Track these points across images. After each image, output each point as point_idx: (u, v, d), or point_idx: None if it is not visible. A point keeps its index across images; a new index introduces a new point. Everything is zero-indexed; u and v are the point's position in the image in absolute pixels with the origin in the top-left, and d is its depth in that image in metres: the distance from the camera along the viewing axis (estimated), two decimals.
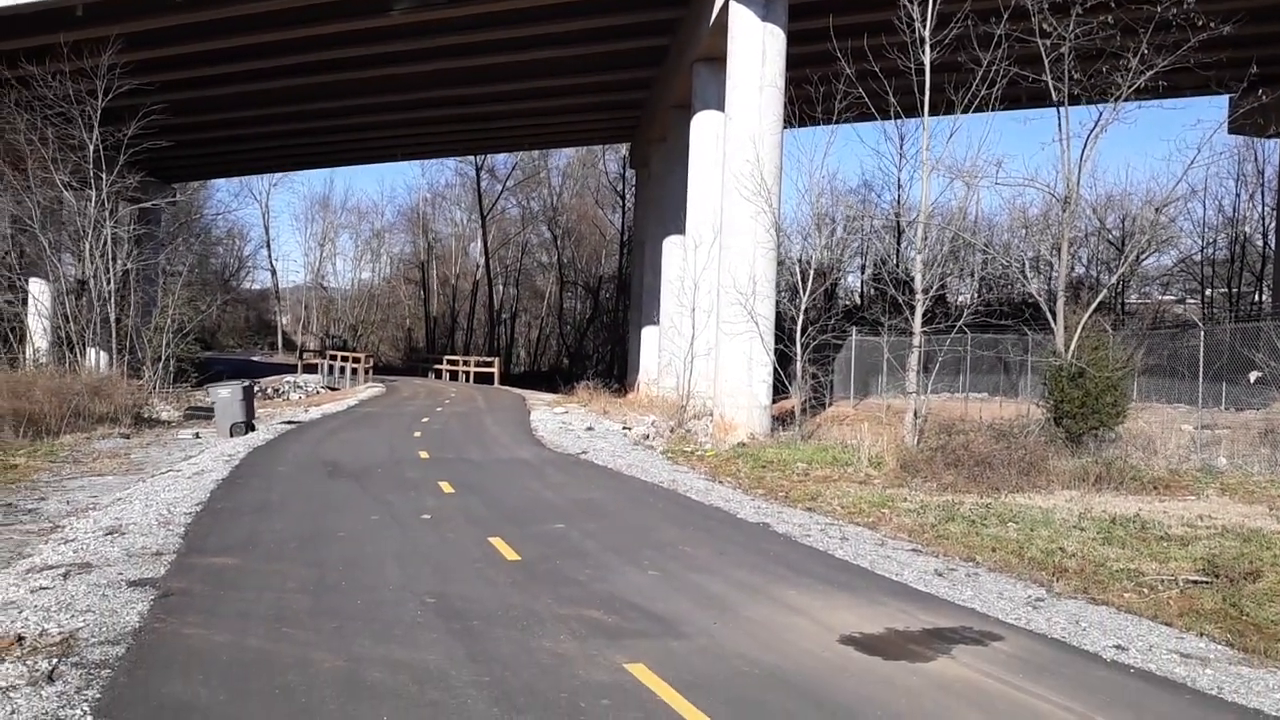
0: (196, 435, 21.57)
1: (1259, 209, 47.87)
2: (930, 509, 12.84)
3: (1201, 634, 7.47)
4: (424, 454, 17.69)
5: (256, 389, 42.87)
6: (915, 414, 20.28)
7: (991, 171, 19.24)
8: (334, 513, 11.58)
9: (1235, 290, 50.25)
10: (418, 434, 21.58)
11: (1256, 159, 45.63)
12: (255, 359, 65.36)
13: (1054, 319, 18.18)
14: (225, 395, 21.93)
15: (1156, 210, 43.58)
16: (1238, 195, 49.33)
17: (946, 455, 16.04)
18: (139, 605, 7.34)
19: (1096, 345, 17.73)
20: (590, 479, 15.31)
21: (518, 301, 69.40)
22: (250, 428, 22.15)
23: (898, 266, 44.06)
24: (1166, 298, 55.83)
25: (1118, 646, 6.99)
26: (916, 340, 20.56)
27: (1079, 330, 17.79)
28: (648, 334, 35.83)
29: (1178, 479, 15.88)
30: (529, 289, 70.63)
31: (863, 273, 53.14)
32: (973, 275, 51.33)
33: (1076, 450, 17.16)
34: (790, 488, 15.13)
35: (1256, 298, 48.36)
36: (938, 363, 20.90)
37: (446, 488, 13.58)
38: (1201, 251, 51.78)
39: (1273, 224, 43.12)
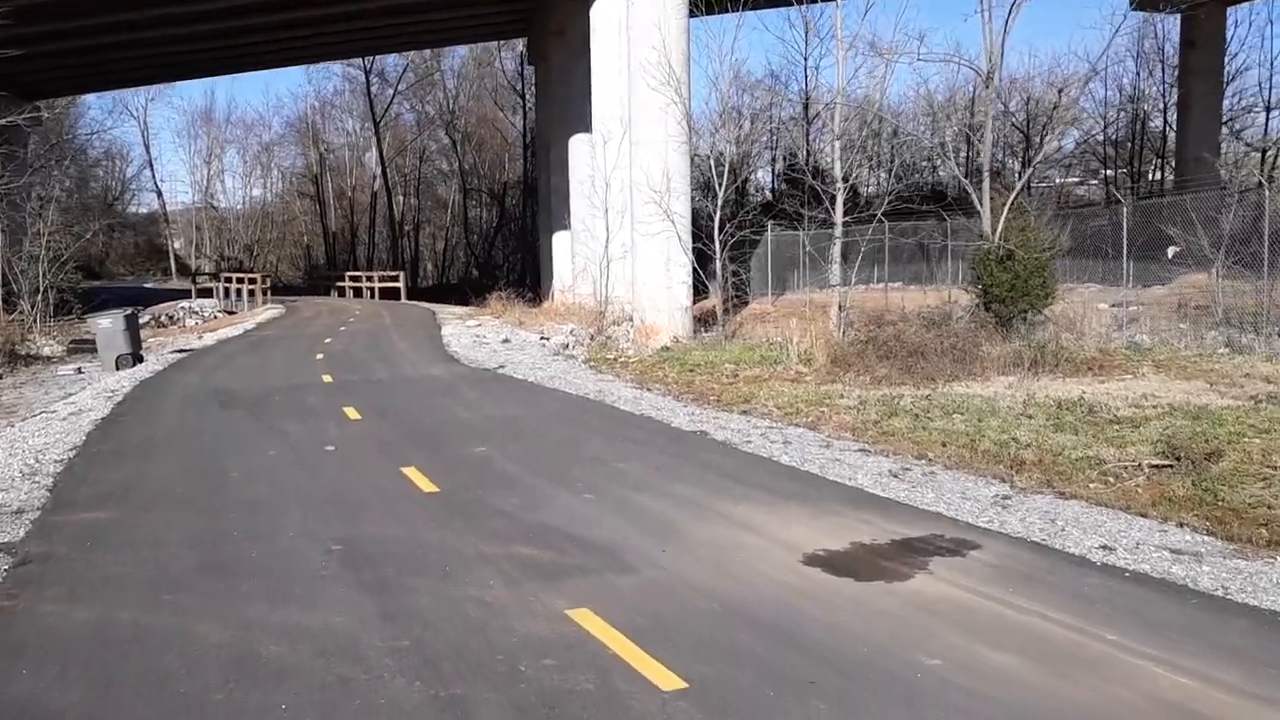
0: (79, 370, 19.93)
1: (1158, 87, 48.07)
2: (870, 404, 12.23)
3: (1182, 524, 6.94)
4: (327, 377, 16.46)
5: (148, 317, 40.73)
6: (840, 307, 19.75)
7: (913, 47, 18.34)
8: (227, 450, 10.44)
9: (1136, 169, 50.76)
10: (319, 356, 20.25)
11: (1156, 35, 45.56)
12: (148, 285, 61.97)
13: (979, 201, 17.59)
14: (107, 326, 20.26)
15: (1059, 91, 43.36)
16: (1137, 74, 49.43)
17: (878, 348, 15.47)
18: None
19: (1023, 226, 17.22)
20: (510, 395, 14.35)
21: (419, 212, 66.96)
22: (138, 359, 20.57)
23: (808, 158, 43.35)
24: (1070, 180, 56.26)
25: (1103, 547, 6.39)
26: (838, 231, 19.91)
27: (1004, 212, 17.24)
28: (559, 239, 34.57)
29: (1109, 358, 15.61)
30: (431, 199, 68.15)
31: (773, 166, 52.29)
32: (880, 165, 50.84)
33: (1007, 335, 16.76)
34: (721, 391, 14.40)
35: (1157, 175, 48.98)
36: (860, 253, 20.32)
37: (352, 413, 12.48)
38: (1103, 131, 52.04)
39: (1174, 100, 43.30)
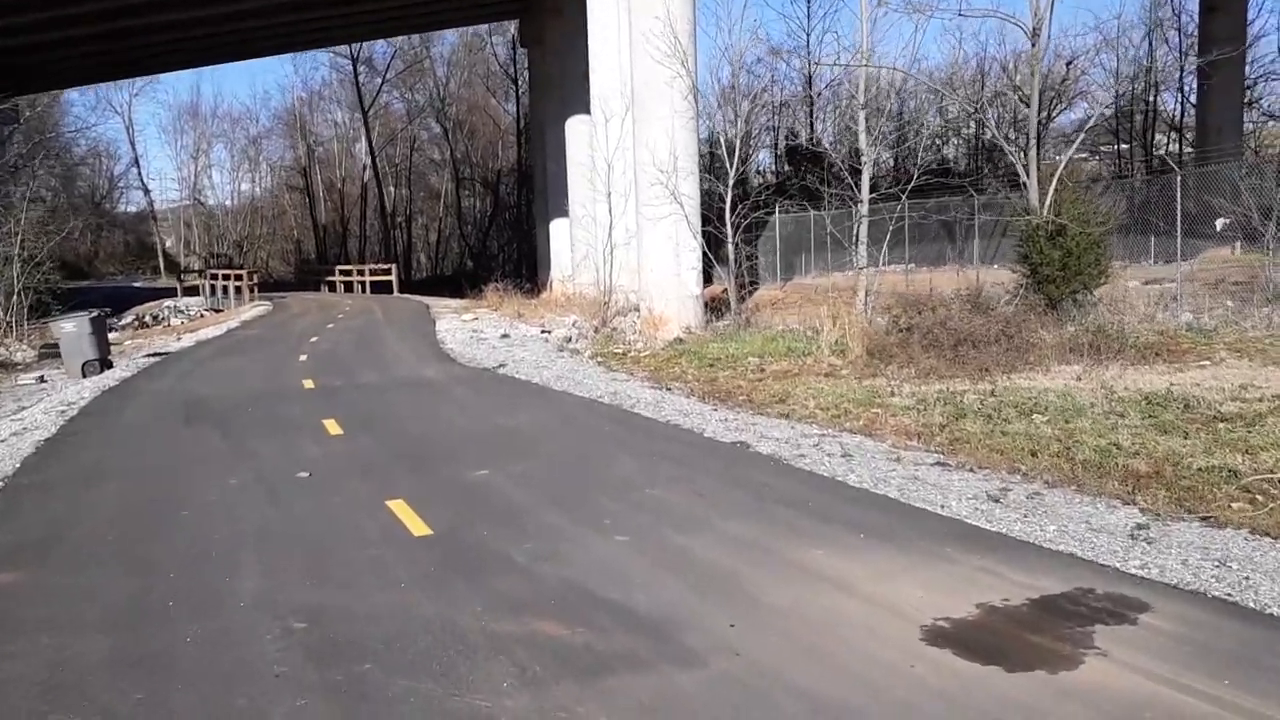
0: (41, 379, 18.29)
1: (1172, 55, 46.26)
2: (930, 404, 10.64)
3: None
4: (309, 383, 14.79)
5: (132, 317, 39.07)
6: (866, 292, 18.19)
7: (951, 4, 16.68)
8: (183, 478, 8.79)
9: (1149, 140, 49.08)
10: (303, 358, 18.57)
11: (1172, 2, 43.72)
12: (137, 284, 60.22)
13: (1025, 171, 15.97)
14: (70, 330, 18.59)
15: (1068, 64, 41.43)
16: (1150, 43, 47.61)
17: (923, 336, 13.88)
18: None
19: (1074, 199, 15.60)
20: (514, 399, 12.70)
21: (411, 203, 65.14)
22: (106, 365, 18.92)
23: (811, 136, 41.58)
24: (1077, 154, 54.41)
25: None
26: (864, 209, 18.34)
27: (1053, 183, 15.62)
28: (556, 227, 32.94)
29: (1174, 342, 14.09)
30: (423, 189, 66.33)
31: (775, 148, 50.50)
32: (884, 142, 49.00)
33: (1058, 318, 15.21)
34: (750, 389, 12.80)
35: (1173, 148, 47.29)
36: (889, 232, 18.72)
37: (333, 428, 10.82)
38: (1115, 103, 50.27)
39: (1191, 69, 41.55)
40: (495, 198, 59.25)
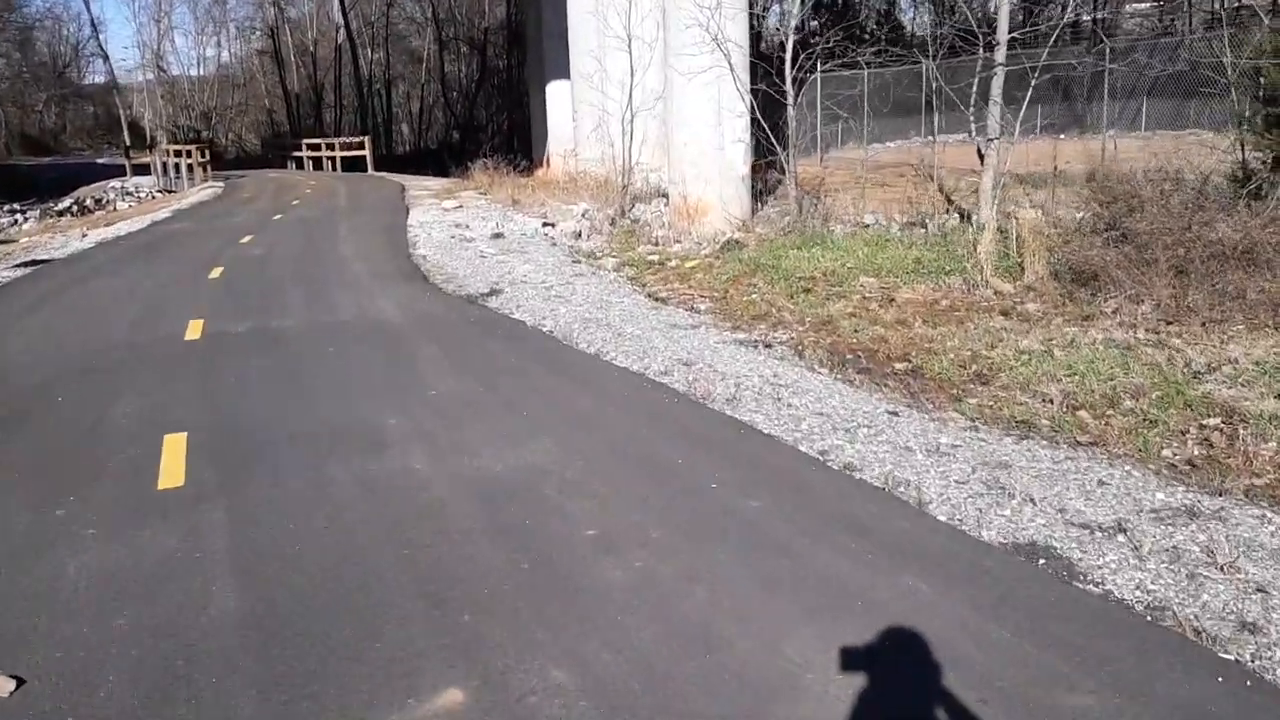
0: None
1: None
2: None
3: None
4: (195, 329, 9.45)
5: (70, 201, 33.82)
6: (997, 174, 13.04)
7: None
8: None
9: None
10: (216, 272, 13.19)
11: None
12: (101, 161, 54.50)
13: None
14: None
15: None
16: None
17: (1166, 250, 8.69)
18: None
19: None
20: (514, 381, 7.31)
21: (390, 68, 58.43)
22: None
23: None
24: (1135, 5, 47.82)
25: None
26: (1000, 54, 12.97)
27: None
28: (555, 91, 27.26)
29: None
30: (403, 52, 59.52)
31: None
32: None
33: None
34: (904, 346, 7.70)
35: None
36: (1031, 87, 13.37)
37: (174, 466, 5.53)
38: None
39: None
40: (483, 61, 52.72)
